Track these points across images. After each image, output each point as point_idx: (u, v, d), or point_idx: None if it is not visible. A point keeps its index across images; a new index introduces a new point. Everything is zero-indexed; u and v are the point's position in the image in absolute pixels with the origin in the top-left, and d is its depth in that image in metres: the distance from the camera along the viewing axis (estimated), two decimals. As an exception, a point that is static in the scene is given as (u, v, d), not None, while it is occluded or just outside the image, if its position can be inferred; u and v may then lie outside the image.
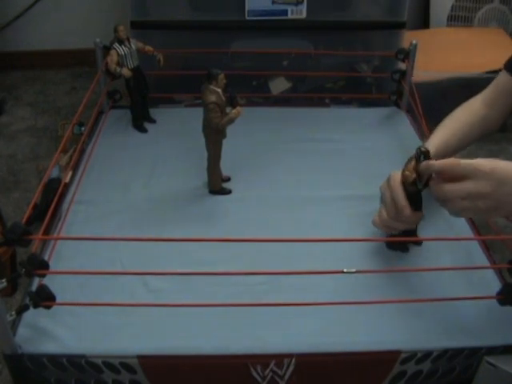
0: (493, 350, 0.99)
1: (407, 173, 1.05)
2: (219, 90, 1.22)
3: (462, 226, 1.24)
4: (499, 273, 1.12)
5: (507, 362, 0.97)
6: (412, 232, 1.14)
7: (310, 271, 0.95)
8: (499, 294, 1.01)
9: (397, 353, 0.98)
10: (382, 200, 1.09)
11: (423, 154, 1.00)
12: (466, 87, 2.06)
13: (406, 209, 1.03)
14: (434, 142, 1.19)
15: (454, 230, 1.22)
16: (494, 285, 1.08)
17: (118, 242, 1.12)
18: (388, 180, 1.08)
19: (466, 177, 0.91)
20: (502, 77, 1.28)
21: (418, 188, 1.03)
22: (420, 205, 1.07)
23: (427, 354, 0.99)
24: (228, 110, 1.23)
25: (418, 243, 1.18)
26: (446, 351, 0.99)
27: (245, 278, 1.04)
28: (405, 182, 1.05)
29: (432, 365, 1.01)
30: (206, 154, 1.29)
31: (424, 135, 1.45)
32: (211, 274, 1.03)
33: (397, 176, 1.06)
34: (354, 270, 0.92)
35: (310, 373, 0.99)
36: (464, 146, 1.26)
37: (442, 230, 1.22)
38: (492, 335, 1.01)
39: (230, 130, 1.26)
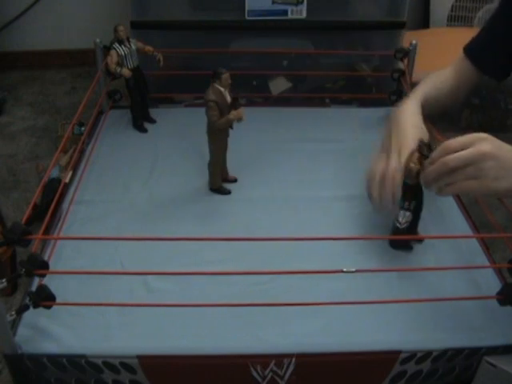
0: (493, 350, 0.99)
1: (412, 165, 1.05)
2: (222, 89, 1.22)
3: (461, 226, 1.24)
4: (499, 272, 1.11)
5: (507, 362, 0.97)
6: (413, 230, 1.14)
7: (309, 271, 0.95)
8: (499, 293, 1.01)
9: (397, 353, 0.98)
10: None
11: (426, 146, 1.00)
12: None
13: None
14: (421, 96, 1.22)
15: (455, 229, 1.23)
16: (494, 285, 1.08)
17: (118, 241, 1.12)
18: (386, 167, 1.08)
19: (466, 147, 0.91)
20: (462, 61, 1.31)
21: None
22: (421, 199, 1.08)
23: (427, 354, 0.99)
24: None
25: (420, 240, 1.18)
26: (445, 351, 0.99)
27: (245, 278, 1.04)
28: (408, 175, 1.05)
29: (432, 365, 1.01)
30: (206, 153, 1.30)
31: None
32: (211, 274, 1.03)
33: (394, 164, 1.07)
34: (353, 270, 0.92)
35: (310, 373, 0.99)
36: (435, 109, 1.28)
37: (443, 230, 1.22)
38: (492, 335, 1.01)
39: (234, 130, 1.27)
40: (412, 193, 1.07)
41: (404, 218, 1.12)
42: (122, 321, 1.01)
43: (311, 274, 0.96)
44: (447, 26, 2.52)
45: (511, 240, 1.10)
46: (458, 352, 1.00)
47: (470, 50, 1.28)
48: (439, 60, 2.12)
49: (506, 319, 1.02)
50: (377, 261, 1.13)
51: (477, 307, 1.04)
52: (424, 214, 1.13)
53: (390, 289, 1.07)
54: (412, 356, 0.98)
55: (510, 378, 0.96)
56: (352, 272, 0.93)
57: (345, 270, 0.92)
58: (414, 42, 1.60)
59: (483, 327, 1.02)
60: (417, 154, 1.04)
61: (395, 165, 1.06)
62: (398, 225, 1.13)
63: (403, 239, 1.17)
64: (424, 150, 1.00)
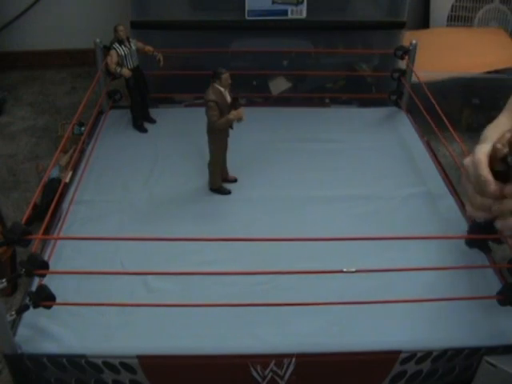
0: (493, 350, 0.99)
1: (499, 146, 0.87)
2: (222, 89, 1.23)
3: (460, 225, 1.24)
4: (499, 273, 1.11)
5: (507, 362, 0.98)
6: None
7: (309, 271, 0.95)
8: (499, 294, 1.02)
9: (397, 353, 0.98)
10: (469, 178, 0.92)
11: None
12: (466, 87, 2.07)
13: (490, 183, 0.85)
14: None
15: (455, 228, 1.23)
16: (494, 285, 1.07)
17: (118, 241, 1.12)
18: (473, 154, 0.92)
19: None
20: None
21: (510, 165, 0.86)
22: None
23: (427, 354, 0.99)
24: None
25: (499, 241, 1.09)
26: (445, 351, 0.99)
27: (245, 278, 1.04)
28: (493, 159, 0.87)
29: (432, 365, 1.01)
30: (207, 153, 1.30)
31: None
32: (211, 274, 1.03)
33: (483, 149, 0.89)
34: (353, 270, 0.92)
35: (310, 372, 0.99)
36: None
37: (441, 231, 1.22)
38: (492, 335, 1.01)
39: (234, 130, 1.27)
40: (498, 178, 0.87)
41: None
42: (122, 321, 1.01)
43: (311, 274, 0.96)
44: (447, 25, 2.51)
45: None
46: (457, 352, 1.00)
47: None
48: (439, 60, 2.13)
49: (505, 319, 1.03)
50: (377, 260, 1.12)
51: (477, 307, 1.04)
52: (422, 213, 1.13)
53: (391, 289, 1.06)
54: (412, 356, 0.98)
55: (510, 377, 0.96)
56: (352, 272, 0.92)
57: (345, 270, 0.92)
58: (414, 41, 1.60)
59: (483, 327, 1.02)
60: (508, 136, 0.87)
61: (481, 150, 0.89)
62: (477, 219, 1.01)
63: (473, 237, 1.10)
64: None
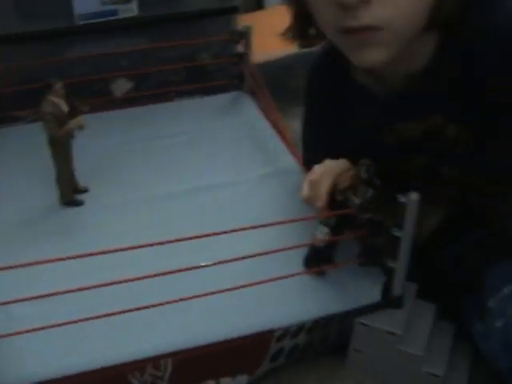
0: (362, 311, 1.03)
1: (341, 179, 1.02)
2: (58, 100, 1.19)
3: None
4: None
5: (377, 319, 1.02)
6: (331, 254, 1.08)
7: (169, 271, 0.94)
8: (358, 256, 1.05)
9: (271, 332, 0.99)
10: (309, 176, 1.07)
11: (364, 167, 0.99)
12: (307, 62, 2.11)
13: (322, 200, 1.02)
14: None
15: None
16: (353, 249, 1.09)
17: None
18: (323, 166, 1.07)
19: None
20: None
21: (347, 196, 1.00)
22: (342, 221, 1.03)
23: (300, 327, 1.01)
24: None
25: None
26: (317, 321, 1.02)
27: (107, 289, 1.00)
28: (334, 188, 1.02)
29: (307, 337, 1.03)
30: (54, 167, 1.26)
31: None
32: (71, 292, 0.99)
33: (333, 169, 1.05)
34: (211, 263, 0.92)
35: (190, 369, 0.98)
36: None
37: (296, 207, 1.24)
38: (359, 297, 1.04)
39: (78, 138, 1.24)
40: (333, 209, 1.02)
41: (321, 233, 1.05)
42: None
43: (171, 273, 0.95)
44: (282, 4, 2.56)
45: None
46: (329, 320, 1.03)
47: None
48: (276, 39, 2.16)
49: (368, 279, 1.06)
50: (234, 249, 1.05)
51: (340, 273, 1.07)
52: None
53: (251, 273, 1.04)
54: (286, 332, 1.00)
55: (382, 333, 1.00)
56: (210, 265, 0.93)
57: (203, 264, 0.93)
58: (246, 24, 1.62)
59: (349, 291, 1.05)
60: (352, 171, 1.01)
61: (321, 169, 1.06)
62: (313, 239, 1.06)
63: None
64: (362, 171, 0.98)
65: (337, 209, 1.01)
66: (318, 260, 1.08)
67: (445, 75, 1.02)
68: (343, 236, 1.06)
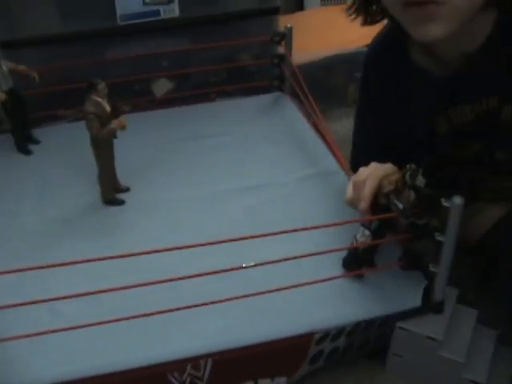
0: (402, 315, 1.01)
1: (385, 182, 1.01)
2: (100, 100, 1.20)
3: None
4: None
5: (417, 324, 1.00)
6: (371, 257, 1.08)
7: (210, 272, 0.94)
8: (400, 259, 1.04)
9: (310, 334, 0.99)
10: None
11: (410, 172, 0.97)
12: (347, 63, 2.11)
13: (363, 202, 1.01)
14: None
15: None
16: (395, 251, 1.09)
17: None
18: (369, 168, 1.06)
19: None
20: None
21: (391, 200, 0.99)
22: (385, 224, 1.03)
23: (341, 331, 1.00)
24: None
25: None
26: (358, 324, 1.01)
27: (148, 288, 1.01)
28: (377, 192, 1.01)
29: (347, 340, 1.02)
30: (96, 166, 1.27)
31: (312, 114, 1.47)
32: (113, 290, 1.00)
33: (378, 172, 1.04)
34: (252, 264, 0.92)
35: (229, 369, 0.98)
36: None
37: (338, 208, 1.23)
38: (400, 301, 1.03)
39: (119, 138, 1.25)
40: (376, 212, 1.01)
41: (362, 236, 1.03)
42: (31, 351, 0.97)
43: (213, 274, 0.95)
44: (321, 6, 2.55)
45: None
46: (370, 323, 1.02)
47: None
48: (317, 40, 2.16)
49: (410, 283, 1.05)
50: (276, 250, 1.08)
51: (382, 276, 1.07)
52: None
53: (295, 272, 1.05)
54: (326, 335, 0.99)
55: (421, 338, 0.99)
56: (252, 266, 0.93)
57: (244, 265, 0.93)
58: (288, 25, 1.62)
59: (391, 295, 1.04)
60: (397, 175, 1.01)
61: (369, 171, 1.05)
62: (354, 241, 1.05)
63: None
64: (407, 175, 0.97)
65: (379, 212, 1.00)
66: (357, 262, 1.07)
67: (502, 54, 1.03)
68: (384, 239, 1.05)
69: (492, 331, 1.07)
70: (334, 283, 1.04)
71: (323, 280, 1.02)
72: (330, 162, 1.39)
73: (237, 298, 0.97)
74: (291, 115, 1.61)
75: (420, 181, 0.96)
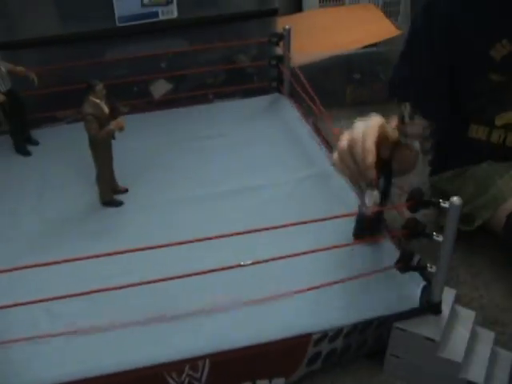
0: (400, 316, 1.01)
1: (388, 129, 0.97)
2: (99, 101, 1.21)
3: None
4: (397, 241, 1.13)
5: (415, 325, 1.01)
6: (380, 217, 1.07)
7: (207, 270, 0.94)
8: (398, 262, 1.04)
9: (308, 336, 0.99)
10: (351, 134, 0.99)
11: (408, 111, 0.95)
12: (346, 64, 2.11)
13: (371, 155, 0.93)
14: None
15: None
16: (392, 254, 1.09)
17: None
18: (365, 122, 0.99)
19: None
20: None
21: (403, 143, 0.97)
22: (389, 178, 1.00)
23: (338, 332, 1.00)
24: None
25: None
26: (355, 326, 1.01)
27: (147, 287, 1.01)
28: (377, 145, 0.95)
29: (345, 341, 1.02)
30: (94, 167, 1.27)
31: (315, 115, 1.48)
32: (113, 289, 1.00)
33: (375, 122, 0.98)
34: (249, 262, 0.92)
35: (227, 370, 0.98)
36: None
37: (335, 209, 1.23)
38: (397, 302, 1.03)
39: (118, 139, 1.25)
40: (381, 168, 0.96)
41: (372, 198, 0.99)
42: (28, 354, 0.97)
43: (209, 273, 0.95)
44: (320, 7, 2.55)
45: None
46: (367, 324, 1.02)
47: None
48: (316, 41, 2.16)
49: (407, 285, 1.06)
50: (276, 249, 1.10)
51: (379, 278, 1.06)
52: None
53: (293, 273, 1.07)
54: (323, 336, 0.99)
55: (419, 338, 0.99)
56: (249, 265, 0.93)
57: (242, 263, 0.92)
58: (286, 26, 1.62)
59: (388, 296, 1.05)
60: (394, 123, 0.97)
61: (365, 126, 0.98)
62: (364, 209, 1.02)
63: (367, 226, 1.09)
64: (406, 112, 0.95)
65: (383, 168, 0.97)
66: (366, 229, 1.08)
67: None
68: (392, 206, 1.05)
69: (489, 332, 1.08)
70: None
71: (321, 286, 1.02)
72: (328, 163, 1.39)
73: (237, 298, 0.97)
74: (289, 116, 1.61)
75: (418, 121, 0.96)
